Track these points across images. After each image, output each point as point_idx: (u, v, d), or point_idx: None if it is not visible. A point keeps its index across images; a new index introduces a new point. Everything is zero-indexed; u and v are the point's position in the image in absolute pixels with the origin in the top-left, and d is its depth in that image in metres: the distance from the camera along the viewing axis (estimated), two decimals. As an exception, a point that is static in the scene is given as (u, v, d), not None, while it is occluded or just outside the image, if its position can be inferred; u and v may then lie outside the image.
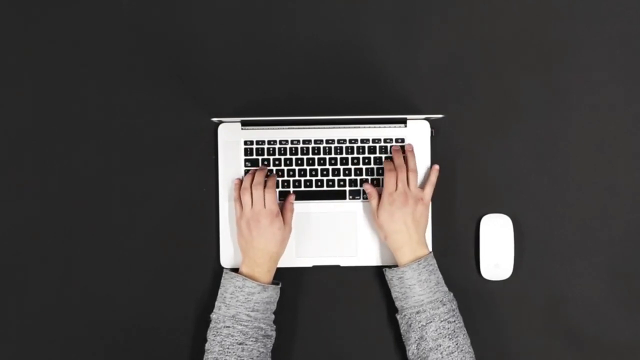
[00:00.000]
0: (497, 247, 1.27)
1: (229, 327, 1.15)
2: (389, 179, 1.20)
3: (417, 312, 1.16)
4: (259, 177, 1.21)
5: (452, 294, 1.19)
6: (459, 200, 1.28)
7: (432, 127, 1.28)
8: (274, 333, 1.19)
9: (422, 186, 1.24)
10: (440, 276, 1.20)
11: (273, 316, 1.20)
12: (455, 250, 1.29)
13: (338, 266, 1.27)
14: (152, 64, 1.29)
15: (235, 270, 1.23)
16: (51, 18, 1.29)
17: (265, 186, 1.21)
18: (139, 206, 1.28)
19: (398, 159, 1.23)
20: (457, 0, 1.29)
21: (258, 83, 1.29)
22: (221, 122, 1.27)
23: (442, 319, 1.15)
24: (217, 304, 1.18)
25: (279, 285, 1.20)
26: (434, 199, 1.27)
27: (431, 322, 1.15)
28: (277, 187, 1.26)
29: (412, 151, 1.25)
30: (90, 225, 1.28)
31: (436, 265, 1.20)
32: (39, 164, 1.28)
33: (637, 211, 1.28)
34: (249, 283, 1.16)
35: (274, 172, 1.26)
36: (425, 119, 1.27)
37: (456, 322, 1.16)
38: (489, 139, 1.29)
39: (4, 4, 1.29)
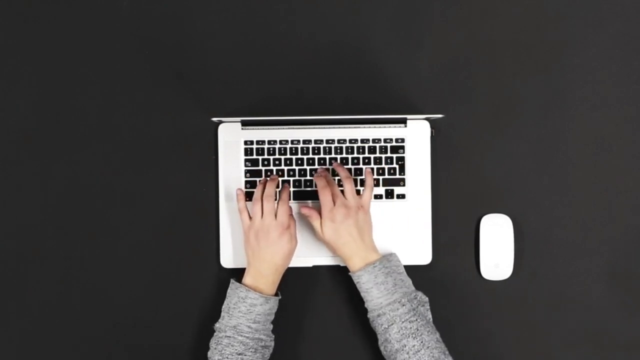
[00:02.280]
0: (497, 247, 1.27)
1: (229, 337, 1.15)
2: (324, 196, 1.19)
3: (378, 315, 1.16)
4: (270, 188, 1.20)
5: (415, 293, 1.17)
6: (459, 200, 1.28)
7: (432, 127, 1.28)
8: (272, 343, 1.19)
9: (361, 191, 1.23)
10: (401, 277, 1.18)
11: (271, 326, 1.19)
12: (455, 250, 1.29)
13: (338, 266, 1.27)
14: (152, 64, 1.29)
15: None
16: (51, 18, 1.29)
17: (279, 198, 1.20)
18: (139, 206, 1.28)
19: (328, 176, 1.22)
20: (457, 0, 1.30)
21: (258, 83, 1.29)
22: (221, 122, 1.27)
23: (403, 320, 1.14)
24: (222, 313, 1.19)
25: (279, 297, 1.20)
26: (434, 198, 1.27)
27: (392, 324, 1.14)
28: (277, 186, 1.26)
29: (339, 165, 1.24)
30: (90, 225, 1.28)
31: (396, 267, 1.19)
32: (39, 164, 1.28)
33: (638, 211, 1.28)
34: (251, 294, 1.16)
35: (288, 183, 1.25)
36: (425, 119, 1.27)
37: (418, 320, 1.15)
38: (489, 139, 1.29)
39: (4, 4, 1.29)
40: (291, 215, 1.22)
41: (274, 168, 1.26)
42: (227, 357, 1.14)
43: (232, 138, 1.27)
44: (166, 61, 1.29)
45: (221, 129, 1.27)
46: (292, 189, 1.26)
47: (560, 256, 1.28)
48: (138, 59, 1.29)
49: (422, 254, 1.27)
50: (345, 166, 1.27)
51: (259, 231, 1.18)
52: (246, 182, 1.27)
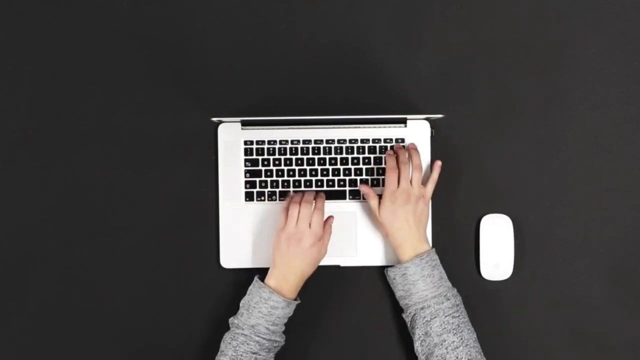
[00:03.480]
0: (497, 247, 1.27)
1: (246, 335, 1.15)
2: (391, 177, 1.20)
3: (422, 308, 1.16)
4: (309, 195, 1.20)
5: (455, 290, 1.19)
6: (459, 200, 1.28)
7: (432, 127, 1.28)
8: (283, 343, 1.19)
9: (424, 183, 1.23)
10: (443, 272, 1.20)
11: (284, 327, 1.20)
12: (455, 250, 1.28)
13: (338, 266, 1.27)
14: (152, 64, 1.29)
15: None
16: (51, 18, 1.29)
17: (315, 206, 1.19)
18: (139, 206, 1.28)
19: (402, 156, 1.22)
20: (457, 0, 1.30)
21: (258, 83, 1.29)
22: (221, 122, 1.27)
23: (446, 314, 1.15)
24: (240, 309, 1.18)
25: (298, 302, 1.20)
26: (434, 198, 1.27)
27: (435, 317, 1.15)
28: (277, 186, 1.26)
29: (415, 149, 1.24)
30: (90, 225, 1.28)
31: (438, 261, 1.20)
32: (39, 164, 1.28)
33: (637, 211, 1.28)
34: (275, 297, 1.16)
35: (322, 193, 1.25)
36: (425, 119, 1.27)
37: (460, 317, 1.16)
38: (489, 139, 1.29)
39: (4, 4, 1.29)
40: (330, 226, 1.22)
41: (274, 168, 1.27)
42: (242, 355, 1.14)
43: (232, 138, 1.27)
44: (166, 61, 1.29)
45: (221, 129, 1.27)
46: (292, 189, 1.26)
47: (560, 256, 1.28)
48: (138, 59, 1.29)
49: (422, 254, 1.27)
50: (345, 166, 1.27)
51: (291, 237, 1.18)
52: (246, 182, 1.27)
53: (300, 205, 1.19)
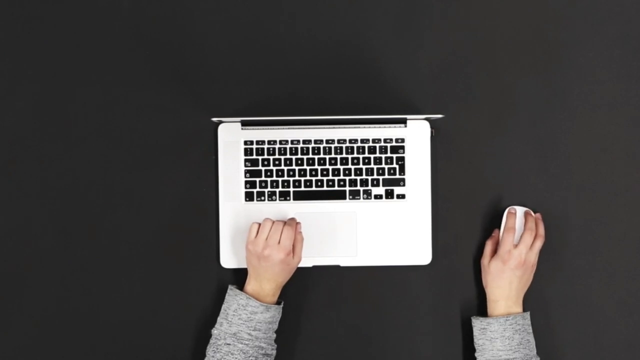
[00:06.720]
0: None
1: (229, 344, 1.15)
2: (509, 236, 1.21)
3: None
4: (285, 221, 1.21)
5: (536, 358, 1.19)
6: (459, 200, 1.28)
7: (432, 127, 1.28)
8: (274, 352, 1.19)
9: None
10: (528, 338, 1.19)
11: (274, 335, 1.19)
12: (455, 250, 1.28)
13: (338, 266, 1.27)
14: (152, 64, 1.29)
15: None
16: (51, 18, 1.29)
17: (286, 222, 1.20)
18: (139, 206, 1.28)
19: (531, 222, 1.22)
20: (457, 0, 1.29)
21: (258, 83, 1.29)
22: (221, 122, 1.27)
23: None
24: (219, 319, 1.18)
25: (282, 305, 1.20)
26: (433, 196, 1.27)
27: None
28: (277, 186, 1.26)
29: (541, 218, 1.24)
30: (89, 226, 1.28)
31: (527, 327, 1.19)
32: (39, 164, 1.28)
33: (637, 211, 1.28)
34: (252, 302, 1.16)
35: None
36: (425, 119, 1.27)
37: None
38: (489, 139, 1.29)
39: (4, 4, 1.29)
40: (300, 233, 1.21)
41: (274, 168, 1.27)
42: None
43: (232, 138, 1.27)
44: (166, 61, 1.29)
45: (221, 129, 1.27)
46: (292, 189, 1.26)
47: (561, 256, 1.28)
48: (138, 59, 1.29)
49: (422, 254, 1.27)
50: (345, 166, 1.27)
51: (260, 252, 1.17)
52: (246, 182, 1.27)
53: (273, 221, 1.19)
